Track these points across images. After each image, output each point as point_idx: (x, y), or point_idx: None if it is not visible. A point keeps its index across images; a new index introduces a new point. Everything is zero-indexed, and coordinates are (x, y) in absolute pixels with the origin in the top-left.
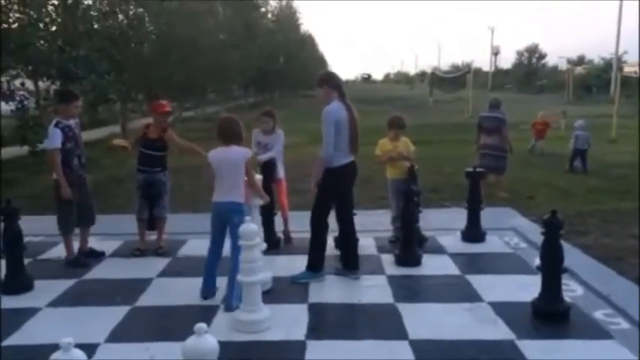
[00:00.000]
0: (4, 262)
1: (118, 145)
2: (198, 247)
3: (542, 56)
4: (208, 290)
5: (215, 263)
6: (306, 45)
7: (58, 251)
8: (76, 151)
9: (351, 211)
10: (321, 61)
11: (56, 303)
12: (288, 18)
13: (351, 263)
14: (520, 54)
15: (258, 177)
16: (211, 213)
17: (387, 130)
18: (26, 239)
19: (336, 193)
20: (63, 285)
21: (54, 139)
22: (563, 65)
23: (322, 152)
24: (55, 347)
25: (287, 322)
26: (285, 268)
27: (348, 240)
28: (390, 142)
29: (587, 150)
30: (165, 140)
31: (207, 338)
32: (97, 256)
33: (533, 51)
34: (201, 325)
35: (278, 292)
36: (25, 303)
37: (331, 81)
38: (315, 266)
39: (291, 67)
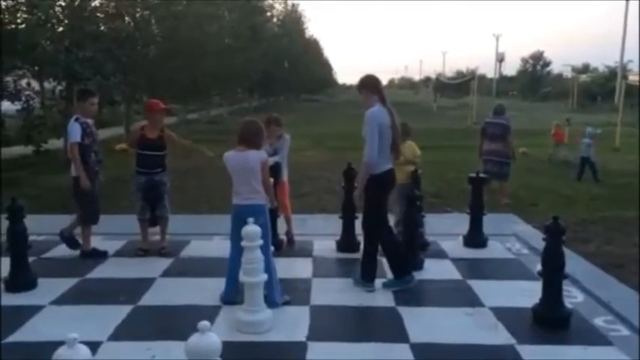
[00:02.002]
0: (7, 259)
1: (120, 148)
2: (200, 247)
3: (546, 64)
4: (230, 296)
5: (237, 270)
6: (311, 49)
7: (62, 250)
8: (93, 147)
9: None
10: (325, 65)
11: (59, 301)
12: (293, 22)
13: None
14: (525, 61)
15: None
16: (232, 215)
17: None
18: (30, 238)
19: (378, 199)
20: (66, 283)
21: (74, 133)
22: (568, 73)
23: (366, 157)
24: (57, 345)
25: (288, 324)
26: (287, 269)
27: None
28: None
29: (588, 158)
30: (164, 140)
31: (210, 336)
32: (100, 255)
33: (537, 58)
34: (205, 323)
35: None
36: (28, 300)
37: (370, 85)
38: (402, 272)
39: (295, 71)
